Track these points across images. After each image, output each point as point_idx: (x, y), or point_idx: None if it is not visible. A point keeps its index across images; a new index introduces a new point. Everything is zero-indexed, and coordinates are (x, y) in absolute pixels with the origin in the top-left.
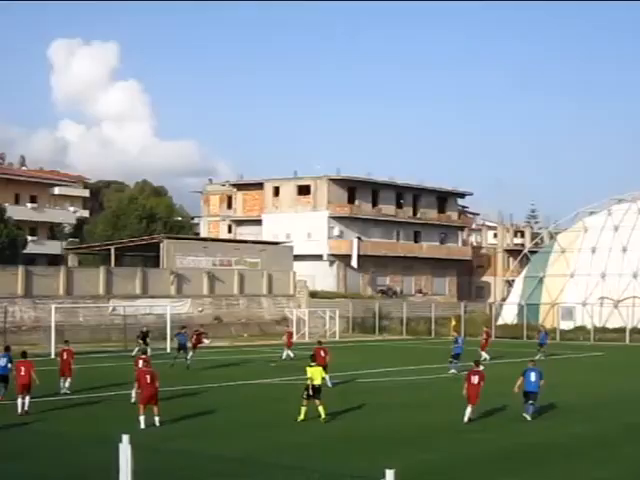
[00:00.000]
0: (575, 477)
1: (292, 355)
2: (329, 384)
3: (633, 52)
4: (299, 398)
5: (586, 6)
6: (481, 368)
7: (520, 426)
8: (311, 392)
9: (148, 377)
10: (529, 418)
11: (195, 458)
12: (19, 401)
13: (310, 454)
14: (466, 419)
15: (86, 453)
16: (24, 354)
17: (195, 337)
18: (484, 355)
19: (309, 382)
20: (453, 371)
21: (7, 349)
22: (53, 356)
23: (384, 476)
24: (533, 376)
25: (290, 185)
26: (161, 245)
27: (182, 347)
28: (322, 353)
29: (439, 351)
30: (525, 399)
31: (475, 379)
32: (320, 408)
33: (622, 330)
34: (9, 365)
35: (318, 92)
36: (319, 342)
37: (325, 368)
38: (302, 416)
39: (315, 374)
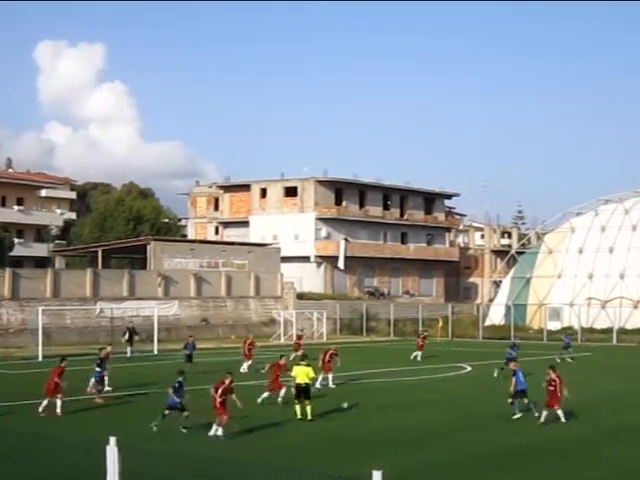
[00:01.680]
0: (564, 477)
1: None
2: (317, 385)
3: (621, 53)
4: (289, 400)
5: (574, 6)
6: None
7: (510, 427)
8: (295, 391)
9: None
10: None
11: (187, 460)
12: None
13: (300, 455)
14: (543, 420)
15: (82, 456)
16: (62, 359)
17: (247, 347)
18: (415, 354)
19: (293, 381)
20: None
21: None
22: (40, 359)
23: (371, 477)
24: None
25: (277, 187)
26: (148, 247)
27: (189, 358)
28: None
29: (426, 352)
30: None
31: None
32: (307, 409)
33: (609, 330)
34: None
35: (305, 94)
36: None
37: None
38: (298, 415)
39: (298, 373)
